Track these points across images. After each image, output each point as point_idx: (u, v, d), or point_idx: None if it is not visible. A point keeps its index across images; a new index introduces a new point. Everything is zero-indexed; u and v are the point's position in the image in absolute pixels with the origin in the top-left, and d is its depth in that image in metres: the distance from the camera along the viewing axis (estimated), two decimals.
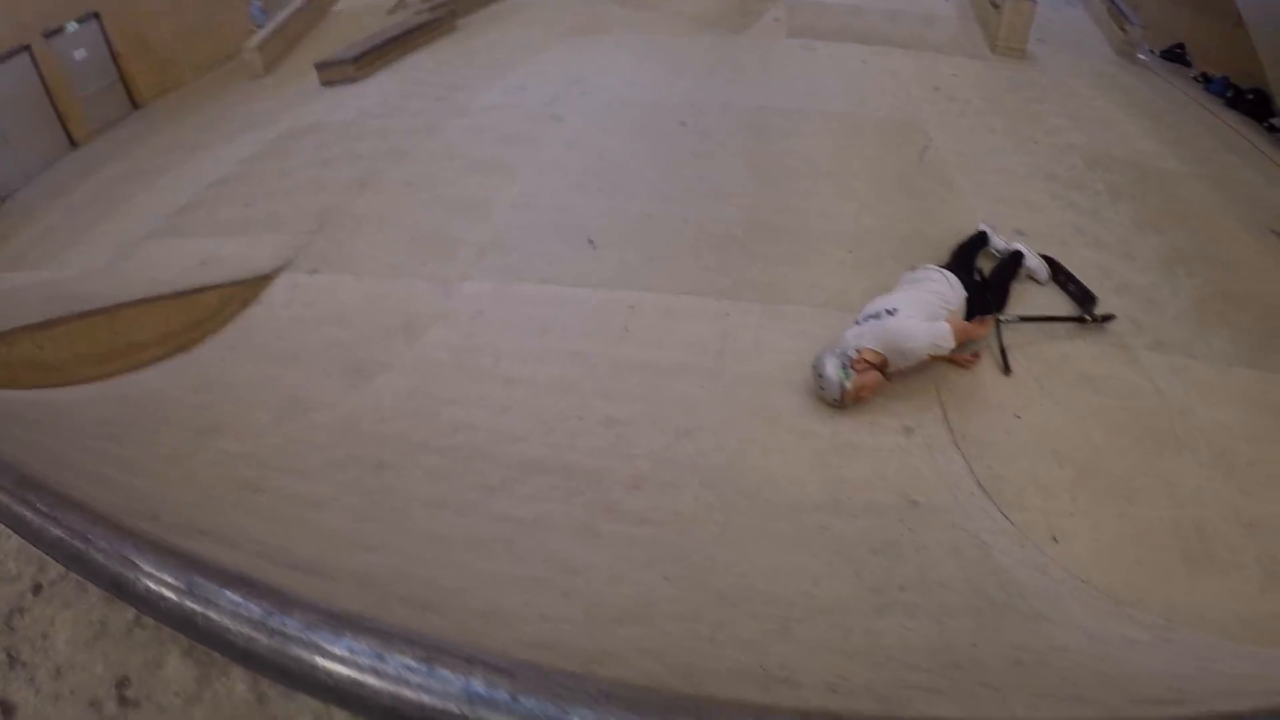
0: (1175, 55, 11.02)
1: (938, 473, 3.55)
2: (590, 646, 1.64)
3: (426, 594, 1.46)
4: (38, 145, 11.58)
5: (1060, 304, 4.75)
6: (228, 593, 1.19)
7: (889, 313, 3.94)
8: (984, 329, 4.23)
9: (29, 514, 1.40)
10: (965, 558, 2.82)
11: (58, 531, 1.35)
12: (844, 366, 3.77)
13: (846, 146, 6.67)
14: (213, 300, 5.28)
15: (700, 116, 7.36)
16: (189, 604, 1.20)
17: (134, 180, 8.92)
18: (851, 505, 3.20)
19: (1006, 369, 4.17)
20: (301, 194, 6.82)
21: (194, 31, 13.61)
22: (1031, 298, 4.76)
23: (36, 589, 1.38)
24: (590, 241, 5.42)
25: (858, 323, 4.06)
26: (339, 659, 1.09)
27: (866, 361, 3.82)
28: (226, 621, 1.16)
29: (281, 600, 1.17)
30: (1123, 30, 10.51)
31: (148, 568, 1.24)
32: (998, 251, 5.07)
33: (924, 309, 4.03)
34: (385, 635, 1.12)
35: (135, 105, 12.85)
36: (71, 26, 12.19)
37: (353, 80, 9.90)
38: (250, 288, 5.47)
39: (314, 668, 1.10)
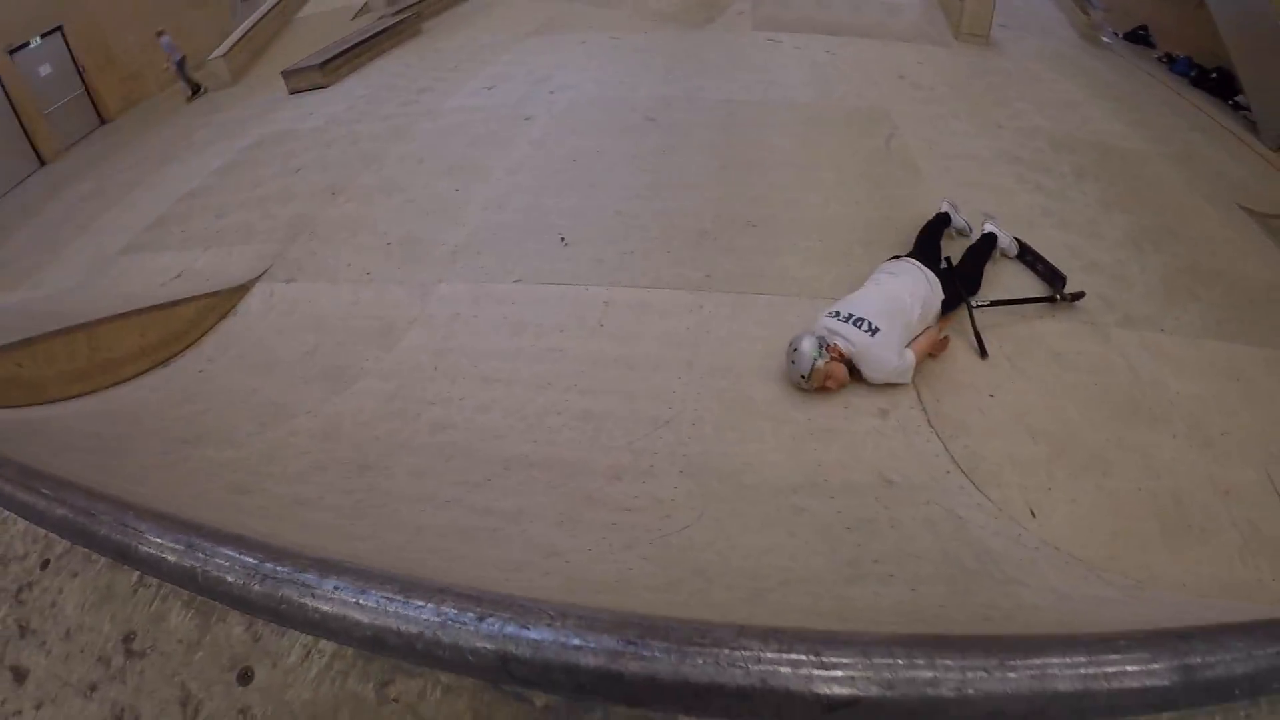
0: (1139, 37, 11.20)
1: (914, 453, 3.59)
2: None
3: (412, 576, 1.55)
4: (5, 163, 11.46)
5: (1029, 284, 4.81)
6: (224, 548, 1.36)
7: (871, 330, 3.91)
8: (944, 345, 4.23)
9: (35, 498, 1.57)
10: (940, 531, 2.87)
11: (63, 510, 1.53)
12: (820, 348, 3.82)
13: (813, 137, 6.72)
14: (190, 313, 5.27)
15: (668, 111, 7.38)
16: (189, 561, 1.37)
17: (104, 196, 8.86)
18: (828, 487, 3.24)
19: (983, 353, 4.20)
20: (273, 203, 6.80)
21: (159, 43, 13.49)
22: (1001, 280, 4.82)
23: (44, 564, 1.52)
24: (562, 239, 5.45)
25: (837, 315, 4.06)
26: (325, 597, 1.26)
27: (840, 352, 3.89)
28: (224, 573, 1.33)
29: (272, 551, 1.34)
30: (1085, 14, 10.67)
31: (150, 533, 1.42)
32: (958, 231, 5.17)
33: (901, 324, 4.00)
34: (365, 574, 1.29)
35: (102, 120, 12.74)
36: (35, 42, 12.06)
37: (320, 87, 9.89)
38: (227, 299, 5.47)
39: (304, 606, 1.27)
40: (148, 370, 4.90)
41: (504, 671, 1.17)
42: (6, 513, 1.61)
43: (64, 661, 1.36)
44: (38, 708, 1.33)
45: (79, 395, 4.50)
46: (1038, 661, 1.17)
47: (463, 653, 1.19)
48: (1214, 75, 9.32)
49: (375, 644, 1.22)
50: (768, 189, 5.89)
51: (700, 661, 1.14)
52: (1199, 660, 1.16)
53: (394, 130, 7.83)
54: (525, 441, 3.69)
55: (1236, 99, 8.73)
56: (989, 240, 4.90)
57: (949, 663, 1.16)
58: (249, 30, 12.53)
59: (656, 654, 1.15)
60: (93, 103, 12.80)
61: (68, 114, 12.50)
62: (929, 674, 1.15)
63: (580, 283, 5.00)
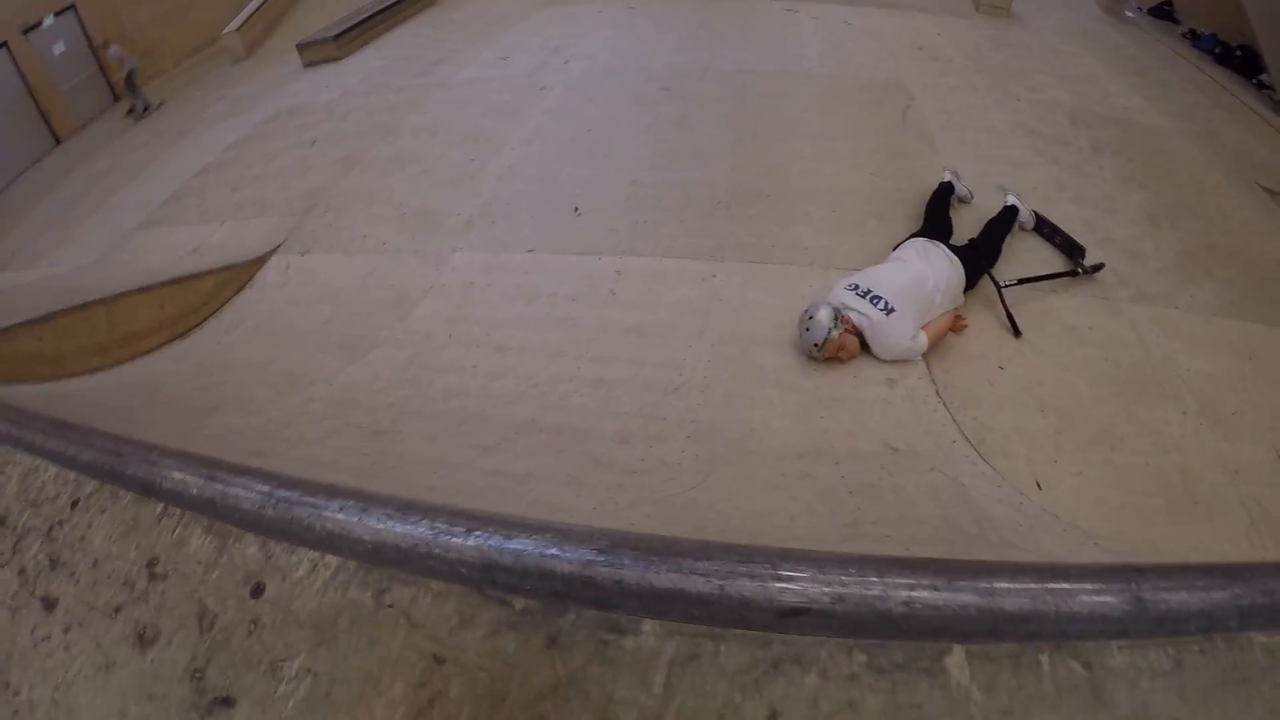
0: (1163, 12, 10.96)
1: (921, 422, 3.60)
2: None
3: (409, 498, 1.67)
4: (22, 143, 11.57)
5: (1047, 256, 4.78)
6: (242, 477, 1.52)
7: (887, 310, 3.90)
8: (961, 325, 4.20)
9: (64, 444, 1.71)
10: (942, 498, 2.89)
11: (92, 454, 1.67)
12: (835, 318, 3.83)
13: (829, 108, 6.67)
14: (207, 286, 5.36)
15: (683, 81, 7.34)
16: (210, 489, 1.51)
17: (120, 172, 8.93)
18: (834, 453, 3.26)
19: (1016, 333, 4.16)
20: (289, 176, 6.85)
21: (172, 18, 13.53)
22: (1019, 253, 4.78)
23: (74, 504, 1.63)
24: (576, 209, 5.47)
25: (855, 288, 4.04)
26: (332, 517, 1.41)
27: (853, 325, 3.91)
28: (241, 499, 1.48)
29: (284, 479, 1.50)
30: None
31: (174, 469, 1.56)
32: (959, 199, 5.14)
33: (919, 308, 3.97)
34: (368, 497, 1.45)
35: (117, 97, 12.78)
36: (49, 20, 12.08)
37: (335, 59, 9.89)
38: (243, 271, 5.54)
39: (311, 526, 1.41)
40: (166, 343, 5.01)
41: (488, 578, 1.30)
42: (38, 459, 1.72)
43: (91, 588, 1.47)
44: (66, 630, 1.43)
45: (99, 369, 4.60)
46: (985, 584, 1.22)
47: (451, 563, 1.32)
48: (1239, 53, 9.11)
49: (375, 556, 1.36)
50: (782, 159, 5.86)
51: (665, 570, 1.24)
52: (1151, 592, 1.20)
53: (408, 101, 7.83)
54: (536, 408, 3.74)
55: (1261, 78, 8.54)
56: (1010, 213, 4.86)
57: (898, 580, 1.22)
58: (263, 3, 12.53)
59: (625, 562, 1.26)
60: (107, 80, 12.84)
61: (83, 92, 12.56)
62: (879, 590, 1.21)
63: (593, 252, 5.02)
